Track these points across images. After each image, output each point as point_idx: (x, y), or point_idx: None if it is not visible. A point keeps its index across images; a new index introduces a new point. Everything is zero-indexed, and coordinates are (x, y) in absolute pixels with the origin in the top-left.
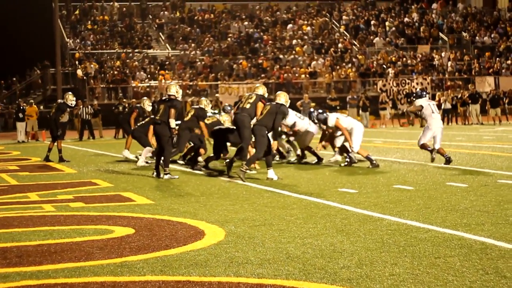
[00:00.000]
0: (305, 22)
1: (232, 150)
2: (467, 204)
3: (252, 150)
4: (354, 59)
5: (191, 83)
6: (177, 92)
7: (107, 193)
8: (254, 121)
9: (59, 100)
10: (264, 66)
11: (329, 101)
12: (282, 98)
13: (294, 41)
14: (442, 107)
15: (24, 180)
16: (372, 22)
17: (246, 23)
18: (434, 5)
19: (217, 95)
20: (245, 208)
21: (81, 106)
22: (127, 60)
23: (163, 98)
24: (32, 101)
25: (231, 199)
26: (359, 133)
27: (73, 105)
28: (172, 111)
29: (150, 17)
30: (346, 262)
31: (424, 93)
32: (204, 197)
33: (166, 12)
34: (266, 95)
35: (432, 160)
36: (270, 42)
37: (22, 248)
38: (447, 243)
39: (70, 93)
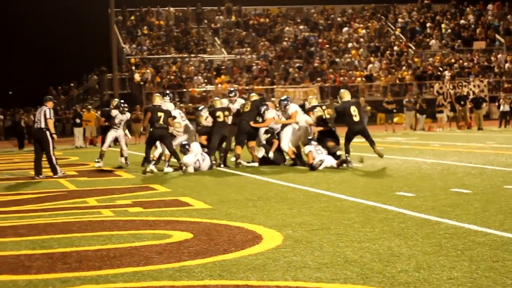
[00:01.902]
0: (361, 25)
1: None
2: None
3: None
4: (410, 62)
5: (247, 87)
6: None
7: (165, 198)
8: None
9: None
10: (319, 69)
11: (386, 104)
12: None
13: (350, 44)
14: (501, 109)
15: (83, 186)
16: (428, 24)
17: (301, 26)
18: (490, 7)
19: (273, 99)
20: (302, 212)
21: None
22: (183, 65)
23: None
24: (90, 106)
25: (288, 203)
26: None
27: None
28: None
29: (206, 21)
30: (404, 266)
31: None
32: (262, 201)
33: (221, 17)
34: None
35: None
36: (325, 45)
37: (82, 252)
38: (505, 246)
39: (115, 99)
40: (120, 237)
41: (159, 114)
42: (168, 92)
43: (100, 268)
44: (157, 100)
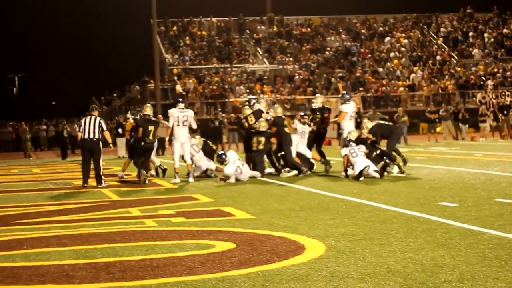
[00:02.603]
0: (403, 34)
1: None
2: None
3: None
4: (452, 71)
5: (289, 98)
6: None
7: (207, 208)
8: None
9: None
10: (361, 79)
11: (428, 113)
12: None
13: (392, 54)
14: None
15: (126, 196)
16: (470, 33)
17: (343, 36)
18: None
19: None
20: (345, 222)
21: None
22: (225, 75)
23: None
24: (133, 116)
25: (331, 213)
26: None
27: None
28: None
29: (248, 31)
30: (447, 277)
31: None
32: (304, 211)
33: (263, 27)
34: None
35: None
36: (367, 55)
37: (125, 262)
38: None
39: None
40: (163, 247)
41: (150, 128)
42: (180, 100)
43: (143, 278)
44: (148, 110)
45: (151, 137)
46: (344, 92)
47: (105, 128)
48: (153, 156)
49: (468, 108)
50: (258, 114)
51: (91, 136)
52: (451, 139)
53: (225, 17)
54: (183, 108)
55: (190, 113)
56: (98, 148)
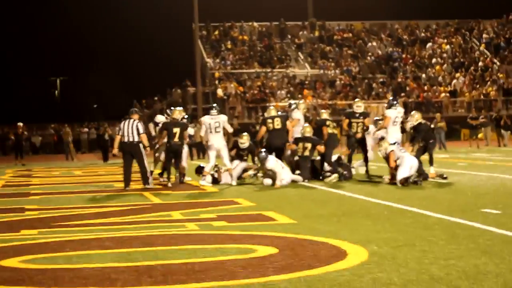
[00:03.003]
0: (445, 40)
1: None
2: None
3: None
4: (495, 77)
5: (330, 103)
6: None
7: (249, 212)
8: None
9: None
10: (403, 85)
11: (470, 120)
12: None
13: (434, 60)
14: None
15: (167, 199)
16: None
17: (385, 41)
18: None
19: None
20: (386, 228)
21: None
22: (267, 80)
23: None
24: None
25: (372, 219)
26: None
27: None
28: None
29: (289, 36)
30: (491, 284)
31: None
32: (346, 216)
33: (305, 32)
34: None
35: None
36: (409, 60)
37: (167, 266)
38: None
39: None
40: (205, 251)
41: (175, 130)
42: (214, 105)
43: (185, 282)
44: (176, 114)
45: (176, 139)
46: (391, 97)
47: (141, 131)
48: (184, 161)
49: (510, 115)
50: (321, 122)
51: (131, 139)
52: (493, 145)
53: (267, 21)
54: (215, 115)
55: (222, 118)
56: (138, 150)
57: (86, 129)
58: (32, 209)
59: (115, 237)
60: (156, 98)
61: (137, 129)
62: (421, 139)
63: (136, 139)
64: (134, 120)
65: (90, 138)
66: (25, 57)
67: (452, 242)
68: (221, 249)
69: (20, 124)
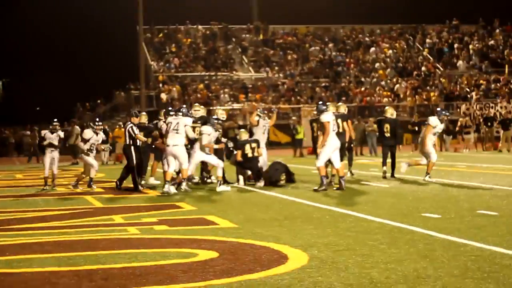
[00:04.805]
0: (388, 45)
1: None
2: None
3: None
4: (437, 83)
5: (273, 106)
6: None
7: (191, 216)
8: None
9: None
10: (346, 89)
11: (410, 126)
12: None
13: (377, 64)
14: None
15: (109, 203)
16: (456, 45)
17: (329, 46)
18: None
19: (294, 117)
20: (328, 232)
21: None
22: (210, 83)
23: None
24: (121, 123)
25: (314, 223)
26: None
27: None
28: None
29: (234, 40)
30: None
31: None
32: (288, 221)
33: (249, 35)
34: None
35: None
36: (352, 65)
37: (108, 270)
38: None
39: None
40: (145, 255)
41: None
42: (183, 106)
43: (125, 286)
44: (143, 118)
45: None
46: (320, 102)
47: (134, 134)
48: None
49: (452, 120)
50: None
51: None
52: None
53: (211, 25)
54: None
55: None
56: (128, 153)
57: (28, 132)
58: None
59: (56, 241)
60: (99, 101)
61: (129, 132)
62: None
63: (127, 141)
64: (129, 123)
65: (32, 142)
66: None
67: (392, 246)
68: (162, 253)
69: None
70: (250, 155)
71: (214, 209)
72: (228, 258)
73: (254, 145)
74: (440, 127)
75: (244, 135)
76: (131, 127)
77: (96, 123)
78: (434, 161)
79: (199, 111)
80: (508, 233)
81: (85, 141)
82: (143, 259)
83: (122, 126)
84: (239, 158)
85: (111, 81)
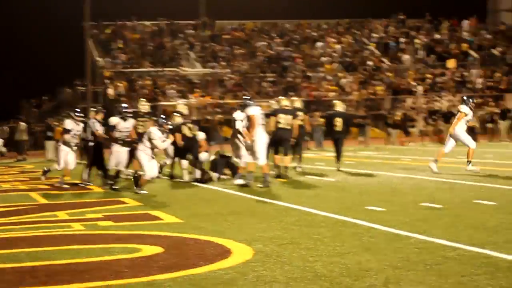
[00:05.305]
0: (334, 40)
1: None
2: (495, 222)
3: None
4: (383, 77)
5: (220, 101)
6: None
7: (135, 211)
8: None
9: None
10: (293, 84)
11: (355, 119)
12: None
13: (324, 59)
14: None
15: (53, 199)
16: (402, 39)
17: (276, 40)
18: (464, 22)
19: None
20: (272, 226)
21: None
22: (157, 79)
23: None
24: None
25: (258, 217)
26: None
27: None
28: None
29: (181, 35)
30: (372, 281)
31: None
32: (232, 215)
33: (196, 31)
34: None
35: None
36: (299, 59)
37: (51, 267)
38: (474, 261)
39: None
40: (90, 251)
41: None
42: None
43: (69, 282)
44: (96, 115)
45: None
46: (245, 96)
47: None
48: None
49: (398, 113)
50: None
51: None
52: (381, 143)
53: (159, 20)
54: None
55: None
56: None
57: None
58: None
59: (0, 238)
60: (45, 98)
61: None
62: None
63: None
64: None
65: None
66: None
67: (336, 240)
68: (106, 249)
69: None
70: (188, 134)
71: (159, 204)
72: (172, 253)
73: (190, 125)
74: (471, 114)
75: (177, 118)
76: (94, 123)
77: (77, 113)
78: (474, 148)
79: (145, 106)
80: (451, 226)
81: (67, 131)
82: (87, 255)
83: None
84: (179, 141)
85: (58, 78)
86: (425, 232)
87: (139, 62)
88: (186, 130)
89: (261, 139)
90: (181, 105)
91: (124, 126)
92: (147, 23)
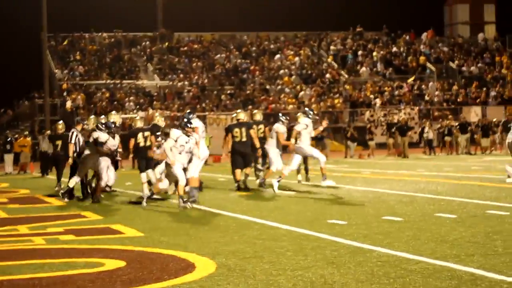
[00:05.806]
0: (293, 52)
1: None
2: (457, 235)
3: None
4: (341, 89)
5: (179, 114)
6: None
7: (97, 225)
8: None
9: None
10: (251, 96)
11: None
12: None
13: (282, 71)
14: (424, 136)
15: (14, 213)
16: (360, 52)
17: (234, 53)
18: (422, 35)
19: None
20: (235, 240)
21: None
22: (115, 91)
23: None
24: (26, 132)
25: (221, 231)
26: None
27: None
28: None
29: (138, 47)
30: None
31: None
32: (194, 229)
33: (154, 43)
34: None
35: None
36: (257, 72)
37: (14, 281)
38: (437, 274)
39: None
40: (52, 265)
41: (57, 142)
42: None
43: None
44: (60, 128)
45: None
46: (188, 111)
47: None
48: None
49: (356, 126)
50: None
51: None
52: (340, 156)
53: (116, 32)
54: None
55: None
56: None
57: None
58: None
59: None
60: (2, 110)
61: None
62: None
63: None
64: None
65: None
66: None
67: (299, 253)
68: (69, 263)
69: None
70: (142, 144)
71: (119, 217)
72: (135, 267)
73: (147, 133)
74: (311, 126)
75: (138, 123)
76: (76, 134)
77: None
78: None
79: (115, 117)
80: (413, 238)
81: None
82: (49, 270)
83: (27, 135)
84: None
85: (15, 90)
86: (387, 246)
87: (97, 74)
88: (140, 138)
89: (203, 152)
90: (113, 115)
91: (112, 143)
92: (105, 34)
